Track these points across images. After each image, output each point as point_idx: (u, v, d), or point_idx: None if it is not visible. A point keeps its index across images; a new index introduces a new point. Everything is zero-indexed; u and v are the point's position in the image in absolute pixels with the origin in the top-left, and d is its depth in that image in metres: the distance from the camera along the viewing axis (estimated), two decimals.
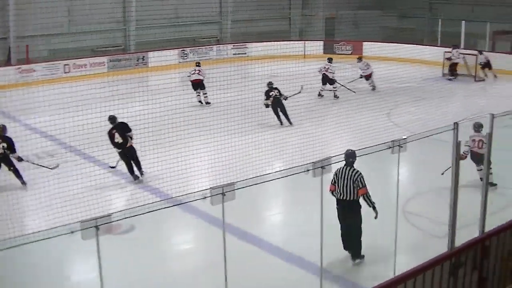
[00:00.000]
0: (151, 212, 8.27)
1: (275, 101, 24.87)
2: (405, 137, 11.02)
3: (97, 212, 11.81)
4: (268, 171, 14.35)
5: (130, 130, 18.51)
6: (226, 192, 8.69)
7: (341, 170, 12.78)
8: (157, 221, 13.18)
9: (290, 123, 24.71)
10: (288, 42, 41.19)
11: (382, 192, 14.38)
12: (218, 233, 9.49)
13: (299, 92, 25.12)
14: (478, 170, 16.75)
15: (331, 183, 12.83)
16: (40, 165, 18.53)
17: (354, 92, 29.90)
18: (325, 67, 30.08)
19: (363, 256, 13.04)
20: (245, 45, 42.58)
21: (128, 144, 18.38)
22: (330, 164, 9.97)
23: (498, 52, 36.78)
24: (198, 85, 29.39)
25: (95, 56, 37.80)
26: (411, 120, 23.54)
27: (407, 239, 13.59)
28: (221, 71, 28.92)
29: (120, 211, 8.42)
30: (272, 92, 24.86)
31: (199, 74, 29.63)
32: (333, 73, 30.02)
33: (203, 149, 18.71)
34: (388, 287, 8.31)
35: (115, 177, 17.99)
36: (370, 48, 39.92)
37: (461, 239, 10.20)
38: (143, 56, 38.39)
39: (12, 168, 17.94)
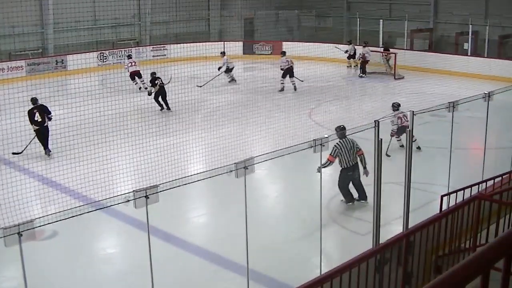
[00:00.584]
0: (74, 217, 8.12)
1: (160, 89, 26.67)
2: (326, 136, 11.07)
3: (18, 218, 11.54)
4: (191, 173, 14.30)
5: (50, 113, 20.71)
6: (149, 194, 8.60)
7: (341, 143, 14.83)
8: (81, 226, 12.95)
9: (169, 108, 26.34)
10: (208, 43, 41.07)
11: (306, 191, 14.44)
12: (143, 236, 9.40)
13: (169, 82, 26.74)
14: (398, 140, 19.89)
15: (331, 155, 14.79)
16: None
17: (302, 81, 30.79)
18: (287, 61, 30.81)
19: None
20: (165, 46, 42.34)
21: (45, 124, 20.45)
22: (253, 164, 9.94)
23: (416, 50, 37.43)
24: (136, 75, 31.21)
25: (12, 60, 37.03)
26: (332, 119, 23.70)
27: (332, 237, 13.69)
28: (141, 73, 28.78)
29: (43, 216, 8.25)
30: (157, 81, 26.57)
31: (135, 65, 31.56)
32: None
33: (126, 152, 18.48)
34: (315, 285, 8.31)
35: (36, 183, 17.62)
36: (289, 48, 40.06)
37: (385, 236, 10.30)
38: (62, 60, 37.78)
39: None
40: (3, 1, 32.98)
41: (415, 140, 18.62)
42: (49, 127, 20.45)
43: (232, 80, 32.77)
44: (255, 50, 42.55)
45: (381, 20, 39.46)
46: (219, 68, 32.53)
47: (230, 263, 12.60)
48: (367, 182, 11.66)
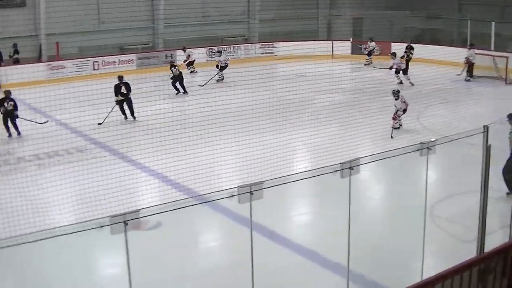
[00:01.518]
0: (178, 209, 8.28)
1: (179, 74, 30.30)
2: (434, 139, 10.95)
3: (125, 208, 11.82)
4: (296, 171, 14.34)
5: (131, 90, 25.15)
6: (254, 191, 8.68)
7: None
8: (184, 218, 13.14)
9: (186, 92, 29.94)
10: (316, 42, 41.04)
11: (410, 195, 14.25)
12: (244, 231, 9.50)
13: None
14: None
15: None
16: (32, 121, 23.49)
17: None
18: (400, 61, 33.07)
19: None
20: (273, 44, 42.48)
21: (129, 96, 25.11)
22: (359, 165, 9.91)
23: None
24: (190, 64, 35.71)
25: (124, 54, 38.02)
26: (440, 122, 23.32)
27: (435, 243, 13.47)
28: (249, 70, 28.99)
29: (148, 207, 8.44)
30: (175, 67, 30.52)
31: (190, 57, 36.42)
32: None
33: (231, 147, 18.67)
34: None
35: (144, 174, 18.01)
36: (398, 49, 39.59)
37: (490, 245, 10.11)
38: (171, 54, 38.48)
39: (14, 121, 23.64)
40: None
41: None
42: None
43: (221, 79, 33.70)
44: (363, 50, 42.24)
45: (493, 22, 38.46)
46: (216, 66, 33.80)
47: (331, 263, 12.58)
48: (475, 188, 11.43)
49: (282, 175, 10.22)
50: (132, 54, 37.87)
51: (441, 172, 17.95)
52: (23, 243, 7.58)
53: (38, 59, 36.68)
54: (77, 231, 7.74)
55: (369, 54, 39.74)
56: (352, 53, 42.21)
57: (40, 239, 7.65)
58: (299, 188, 15.33)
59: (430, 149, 10.82)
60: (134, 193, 15.86)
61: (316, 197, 16.91)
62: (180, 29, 39.49)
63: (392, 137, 21.53)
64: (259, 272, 9.34)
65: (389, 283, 11.86)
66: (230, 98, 21.19)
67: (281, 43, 41.64)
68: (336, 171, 9.58)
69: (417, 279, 10.10)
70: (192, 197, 14.29)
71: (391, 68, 32.84)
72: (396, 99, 22.90)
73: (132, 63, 37.16)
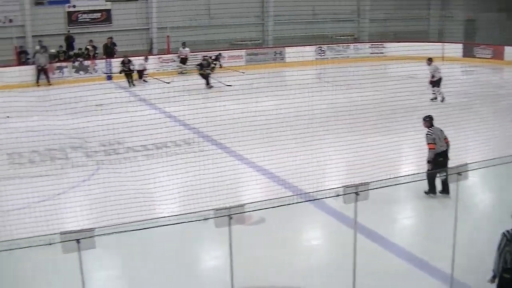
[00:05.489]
0: (283, 206, 8.32)
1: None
2: None
3: (229, 202, 11.93)
4: (402, 173, 14.18)
5: None
6: (359, 191, 8.66)
7: (433, 130, 15.93)
8: (288, 215, 13.21)
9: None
10: (427, 43, 40.48)
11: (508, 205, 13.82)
12: (348, 231, 9.47)
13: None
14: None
15: (431, 142, 15.52)
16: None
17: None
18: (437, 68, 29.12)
19: None
20: (383, 44, 42.14)
21: None
22: (467, 170, 9.76)
23: None
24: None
25: (233, 49, 38.42)
26: None
27: None
28: (358, 70, 28.82)
29: (253, 202, 8.51)
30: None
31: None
32: None
33: (338, 147, 18.58)
34: None
35: (249, 169, 18.12)
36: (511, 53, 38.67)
37: None
38: (281, 51, 38.73)
39: None
40: None
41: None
42: None
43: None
44: (475, 53, 41.37)
45: None
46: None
47: (434, 269, 12.37)
48: None
49: (389, 177, 10.13)
50: (241, 50, 38.24)
51: None
52: (131, 230, 7.78)
53: (149, 52, 37.47)
54: (183, 222, 7.89)
55: (183, 61, 37.49)
56: (464, 55, 41.41)
57: (147, 228, 7.84)
58: (405, 190, 15.17)
59: None
60: (239, 187, 15.97)
61: (421, 201, 16.67)
62: (290, 27, 39.59)
63: None
64: (360, 273, 9.31)
65: None
66: (339, 98, 21.13)
67: (391, 43, 41.25)
68: (444, 176, 9.47)
69: None
70: (297, 194, 14.33)
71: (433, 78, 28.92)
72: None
73: (241, 58, 37.56)
